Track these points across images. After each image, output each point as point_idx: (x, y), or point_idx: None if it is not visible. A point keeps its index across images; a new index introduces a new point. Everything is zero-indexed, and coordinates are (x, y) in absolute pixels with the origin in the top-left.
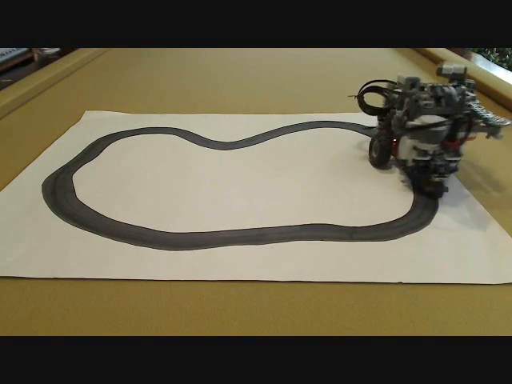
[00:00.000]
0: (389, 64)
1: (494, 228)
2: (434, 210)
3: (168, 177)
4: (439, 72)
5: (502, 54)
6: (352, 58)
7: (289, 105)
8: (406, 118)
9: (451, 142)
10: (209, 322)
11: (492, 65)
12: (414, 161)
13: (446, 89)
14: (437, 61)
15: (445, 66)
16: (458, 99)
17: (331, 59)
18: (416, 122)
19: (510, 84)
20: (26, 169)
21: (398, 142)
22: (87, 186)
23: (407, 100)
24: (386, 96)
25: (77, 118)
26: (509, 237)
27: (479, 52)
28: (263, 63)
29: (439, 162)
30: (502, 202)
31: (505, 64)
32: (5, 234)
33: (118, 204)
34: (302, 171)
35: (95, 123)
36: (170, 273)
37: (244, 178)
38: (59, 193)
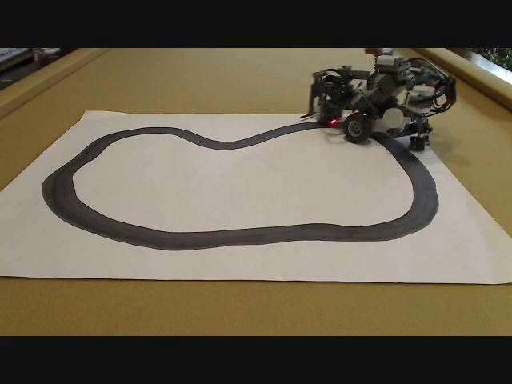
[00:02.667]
0: None
1: (494, 228)
2: (433, 209)
3: (168, 177)
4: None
5: (502, 54)
6: (352, 57)
7: (289, 105)
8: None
9: (453, 100)
10: (209, 322)
11: (492, 65)
12: (406, 125)
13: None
14: (437, 61)
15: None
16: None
17: (332, 59)
18: (414, 94)
19: (510, 84)
20: (26, 169)
21: (370, 117)
22: (87, 186)
23: (401, 76)
24: (340, 83)
25: (77, 118)
26: (509, 237)
27: (479, 52)
28: (263, 63)
29: (422, 121)
30: (501, 202)
31: (505, 64)
32: (5, 233)
33: (118, 204)
34: (301, 171)
35: (95, 123)
36: (170, 273)
37: (244, 178)
38: (59, 193)
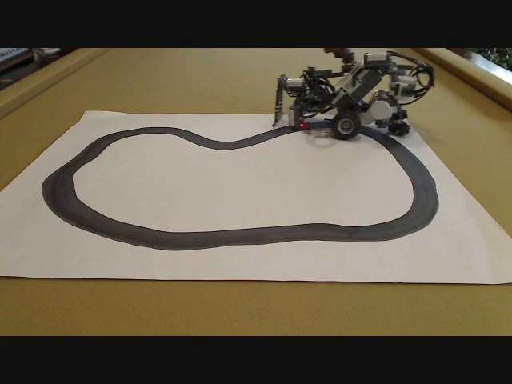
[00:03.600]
0: None
1: (494, 228)
2: (433, 209)
3: (168, 177)
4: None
5: (502, 54)
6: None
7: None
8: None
9: (433, 86)
10: (209, 322)
11: (492, 65)
12: (391, 114)
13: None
14: (437, 61)
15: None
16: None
17: (332, 59)
18: (405, 84)
19: (510, 84)
20: (26, 169)
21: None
22: (87, 186)
23: (389, 70)
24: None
25: (77, 118)
26: (509, 237)
27: (479, 52)
28: (263, 63)
29: (402, 108)
30: (501, 202)
31: (505, 64)
32: (5, 233)
33: (118, 204)
34: (301, 171)
35: (95, 123)
36: (170, 273)
37: (244, 178)
38: (59, 193)
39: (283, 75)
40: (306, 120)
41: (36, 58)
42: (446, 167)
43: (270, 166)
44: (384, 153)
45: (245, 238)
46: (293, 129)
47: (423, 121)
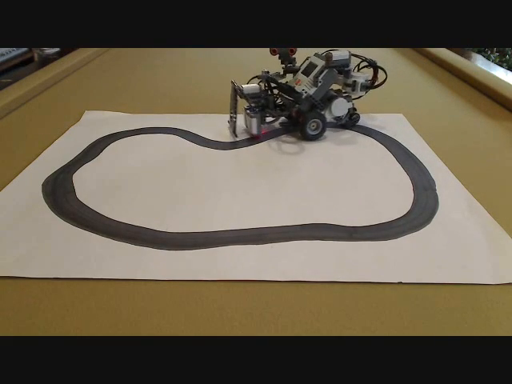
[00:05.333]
0: (389, 64)
1: (494, 228)
2: (433, 209)
3: (168, 177)
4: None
5: (502, 54)
6: (352, 57)
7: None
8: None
9: (377, 79)
10: (209, 322)
11: (492, 65)
12: (348, 110)
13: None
14: (437, 61)
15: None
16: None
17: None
18: (362, 80)
19: (510, 84)
20: (25, 169)
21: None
22: (87, 186)
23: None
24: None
25: (77, 118)
26: (509, 237)
27: (479, 52)
28: (263, 63)
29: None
30: (501, 202)
31: (505, 64)
32: (5, 233)
33: (118, 204)
34: (301, 171)
35: (95, 123)
36: (170, 273)
37: (244, 178)
38: (59, 193)
39: (235, 82)
40: (265, 126)
41: (36, 57)
42: (445, 167)
43: (270, 165)
44: (384, 153)
45: (245, 238)
46: (252, 138)
47: (423, 121)
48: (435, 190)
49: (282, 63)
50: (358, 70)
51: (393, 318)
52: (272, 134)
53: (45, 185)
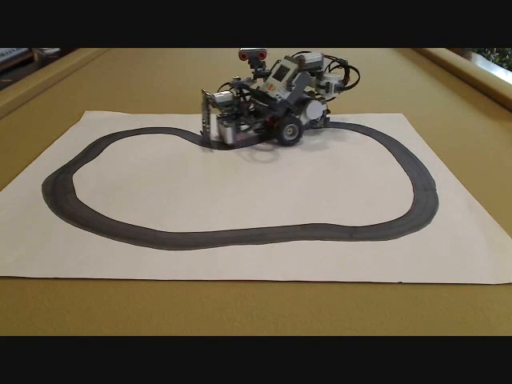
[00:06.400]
0: (389, 64)
1: (494, 228)
2: (434, 209)
3: (168, 176)
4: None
5: (502, 54)
6: (352, 58)
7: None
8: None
9: (348, 79)
10: (209, 322)
11: (492, 65)
12: (323, 112)
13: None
14: (437, 61)
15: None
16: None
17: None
18: (335, 82)
19: (510, 84)
20: (25, 169)
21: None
22: (87, 186)
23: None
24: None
25: (77, 118)
26: (509, 237)
27: (479, 52)
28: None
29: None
30: (501, 202)
31: (505, 64)
32: (5, 233)
33: (118, 204)
34: (301, 171)
35: (95, 123)
36: (170, 273)
37: (244, 178)
38: (59, 193)
39: (206, 91)
40: (240, 134)
41: (36, 58)
42: (445, 167)
43: (271, 165)
44: (384, 153)
45: (245, 238)
46: (228, 147)
47: (423, 121)
48: (435, 190)
49: (251, 67)
50: (330, 71)
51: (393, 318)
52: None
53: (45, 185)
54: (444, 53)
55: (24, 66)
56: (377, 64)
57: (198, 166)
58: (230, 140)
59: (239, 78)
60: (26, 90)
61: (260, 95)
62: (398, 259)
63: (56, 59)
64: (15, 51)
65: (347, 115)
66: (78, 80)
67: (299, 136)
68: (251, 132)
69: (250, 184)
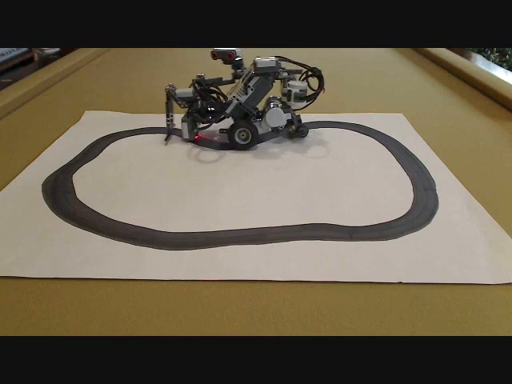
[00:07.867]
0: (389, 64)
1: (494, 228)
2: (433, 209)
3: (168, 176)
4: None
5: (502, 54)
6: (352, 58)
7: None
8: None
9: (323, 90)
10: (209, 322)
11: (492, 65)
12: (286, 121)
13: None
14: (437, 61)
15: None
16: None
17: (331, 59)
18: (296, 90)
19: (510, 84)
20: (26, 169)
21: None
22: (87, 186)
23: (280, 75)
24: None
25: (77, 118)
26: (509, 237)
27: (479, 52)
28: None
29: (296, 114)
30: (501, 202)
31: (505, 64)
32: (5, 234)
33: (118, 204)
34: (302, 171)
35: (95, 123)
36: (170, 273)
37: (244, 178)
38: (59, 193)
39: (172, 85)
40: (200, 132)
41: (36, 57)
42: (445, 167)
43: (270, 165)
44: (384, 153)
45: (245, 238)
46: (187, 142)
47: (423, 121)
48: (435, 189)
49: (232, 68)
50: (305, 79)
51: (393, 318)
52: (208, 139)
53: (45, 185)
54: (444, 53)
55: (24, 66)
56: (377, 64)
57: (198, 166)
58: (185, 135)
59: (201, 76)
60: (25, 89)
61: (215, 95)
62: (397, 259)
63: (56, 59)
64: (15, 51)
65: (347, 115)
66: (78, 80)
67: (253, 141)
68: (217, 133)
69: (250, 184)
